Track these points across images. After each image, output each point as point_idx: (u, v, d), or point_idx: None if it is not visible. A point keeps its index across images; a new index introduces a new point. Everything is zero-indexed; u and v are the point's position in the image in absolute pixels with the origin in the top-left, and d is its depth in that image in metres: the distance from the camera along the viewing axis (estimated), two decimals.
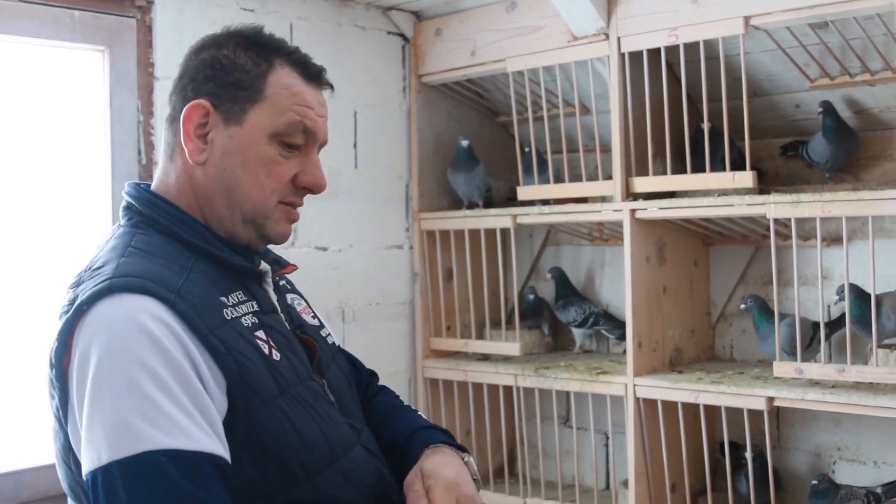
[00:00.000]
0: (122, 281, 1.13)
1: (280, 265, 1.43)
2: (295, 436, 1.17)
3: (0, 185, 2.30)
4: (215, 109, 1.26)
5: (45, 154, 2.37)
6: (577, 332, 3.12)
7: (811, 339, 2.44)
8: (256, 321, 1.23)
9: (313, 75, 1.31)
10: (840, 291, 2.35)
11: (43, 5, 2.29)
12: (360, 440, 1.32)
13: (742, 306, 2.61)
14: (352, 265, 2.98)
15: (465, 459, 1.37)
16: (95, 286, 1.13)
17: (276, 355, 1.22)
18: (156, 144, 2.48)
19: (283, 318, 1.32)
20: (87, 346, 1.09)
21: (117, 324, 1.09)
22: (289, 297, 1.46)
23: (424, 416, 1.55)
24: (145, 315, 1.10)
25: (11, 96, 2.31)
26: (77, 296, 1.14)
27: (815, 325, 2.42)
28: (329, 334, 1.47)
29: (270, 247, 1.41)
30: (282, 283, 1.46)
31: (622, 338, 2.79)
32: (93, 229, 2.42)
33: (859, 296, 2.33)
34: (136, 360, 1.07)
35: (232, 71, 1.26)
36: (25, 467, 2.25)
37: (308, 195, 1.34)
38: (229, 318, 1.19)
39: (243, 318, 1.21)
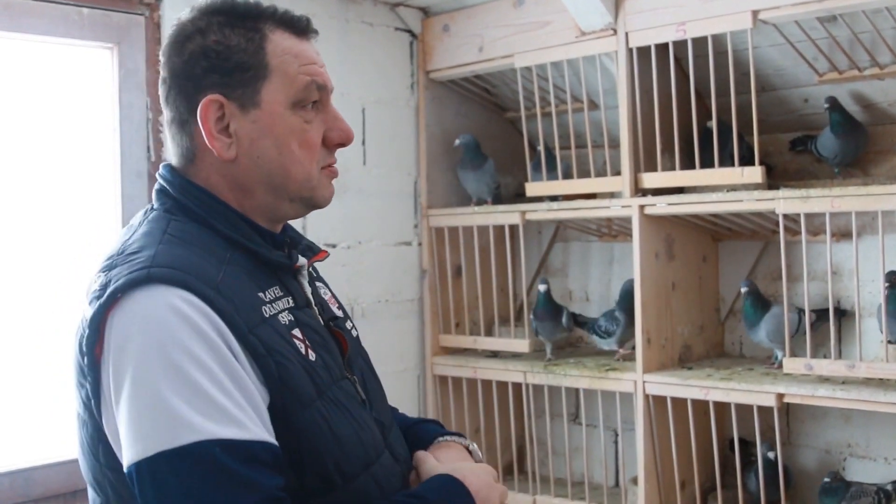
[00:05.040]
0: (161, 272, 1.08)
1: (313, 252, 1.35)
2: (333, 440, 1.14)
3: (9, 181, 2.31)
4: (228, 100, 1.21)
5: (54, 151, 2.38)
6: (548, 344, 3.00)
7: (797, 327, 2.49)
8: (293, 318, 1.19)
9: (303, 29, 1.26)
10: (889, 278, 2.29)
11: (52, 3, 2.30)
12: (388, 442, 1.28)
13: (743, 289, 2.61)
14: (361, 262, 2.98)
15: (470, 448, 1.37)
16: (131, 273, 1.08)
17: (312, 355, 1.17)
18: (164, 142, 2.48)
19: (316, 312, 1.27)
20: (124, 335, 1.05)
21: (157, 312, 1.05)
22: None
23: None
24: (186, 305, 1.06)
25: (21, 93, 2.33)
26: (109, 280, 1.09)
27: (801, 312, 2.47)
28: (353, 326, 1.42)
29: (302, 231, 1.36)
30: (310, 269, 1.40)
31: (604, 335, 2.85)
32: (102, 226, 2.43)
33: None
34: (181, 346, 1.04)
35: (229, 55, 1.21)
36: (36, 465, 2.26)
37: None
38: (267, 315, 1.14)
39: (280, 314, 1.17)
